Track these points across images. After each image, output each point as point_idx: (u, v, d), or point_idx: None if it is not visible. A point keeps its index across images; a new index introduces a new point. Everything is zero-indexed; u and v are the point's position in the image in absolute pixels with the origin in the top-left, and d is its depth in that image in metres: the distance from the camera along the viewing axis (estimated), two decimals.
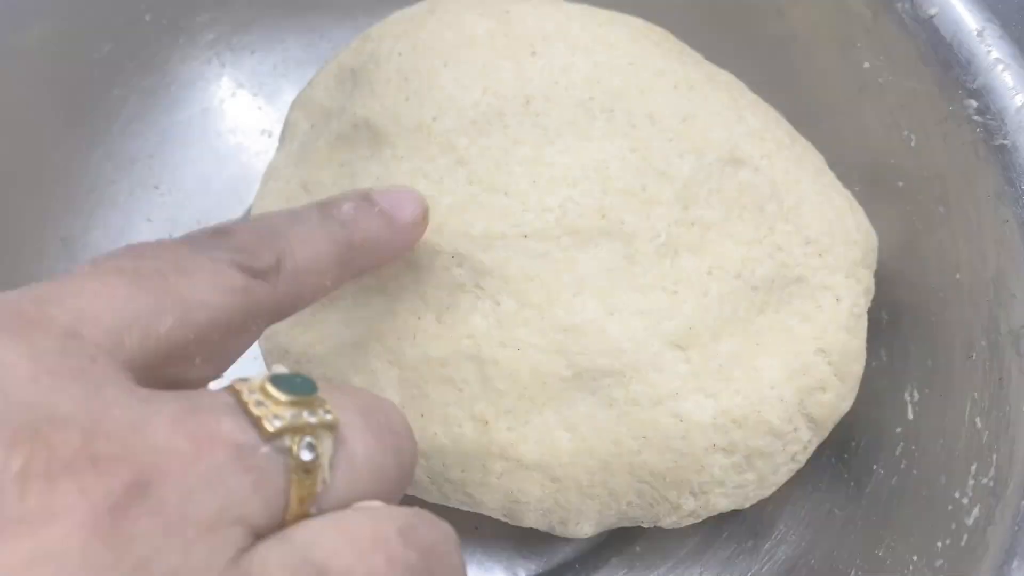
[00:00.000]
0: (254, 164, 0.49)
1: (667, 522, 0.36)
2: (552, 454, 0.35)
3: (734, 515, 0.37)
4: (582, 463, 0.35)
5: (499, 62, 0.36)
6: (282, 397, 0.19)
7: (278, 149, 0.42)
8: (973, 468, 0.33)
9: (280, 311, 0.26)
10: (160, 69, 0.46)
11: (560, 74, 0.36)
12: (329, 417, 0.19)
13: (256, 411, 0.18)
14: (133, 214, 0.47)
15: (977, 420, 0.34)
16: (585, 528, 0.37)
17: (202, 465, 0.17)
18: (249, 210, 0.48)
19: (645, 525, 0.36)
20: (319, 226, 0.28)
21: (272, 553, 0.17)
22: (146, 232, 0.47)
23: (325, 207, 0.30)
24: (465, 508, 0.37)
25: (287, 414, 0.19)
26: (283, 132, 0.42)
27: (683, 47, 0.40)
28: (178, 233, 0.48)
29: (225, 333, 0.23)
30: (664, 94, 0.36)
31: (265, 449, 0.18)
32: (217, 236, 0.26)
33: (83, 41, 0.43)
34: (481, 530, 0.41)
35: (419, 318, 0.36)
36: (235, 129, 0.50)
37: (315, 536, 0.18)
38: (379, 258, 0.32)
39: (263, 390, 0.19)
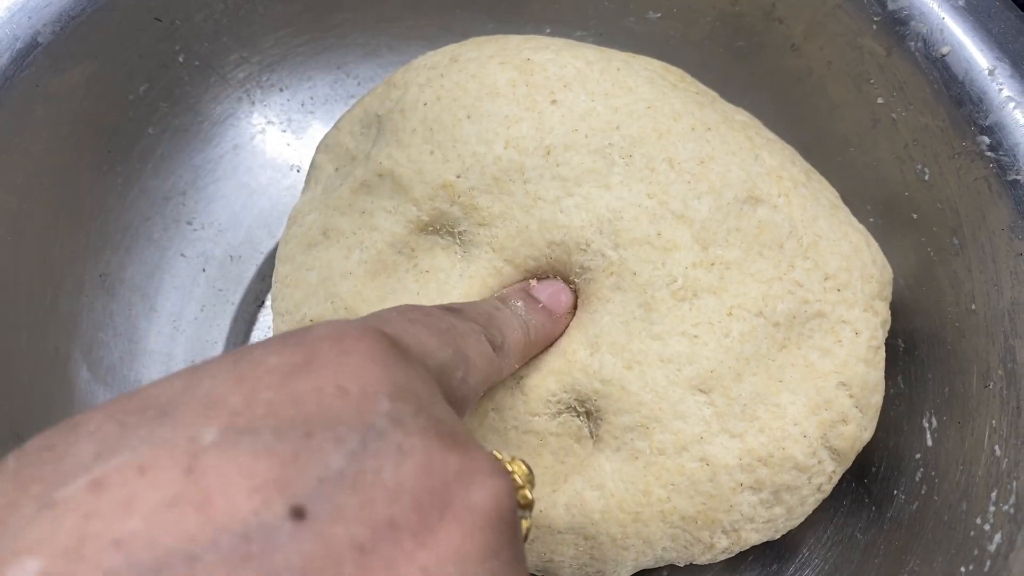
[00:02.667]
0: (284, 199, 0.51)
1: (702, 560, 0.37)
2: (583, 514, 0.36)
3: (759, 544, 0.38)
4: (613, 517, 0.36)
5: (520, 113, 0.37)
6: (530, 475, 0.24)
7: (303, 191, 0.43)
8: (993, 495, 0.34)
9: (497, 383, 0.30)
10: (192, 108, 0.48)
11: (580, 121, 0.37)
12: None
13: (520, 481, 0.23)
14: (168, 250, 0.48)
15: (996, 448, 0.35)
16: (622, 574, 0.38)
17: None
18: (275, 250, 0.50)
19: (681, 564, 0.37)
20: (512, 317, 0.33)
21: None
22: (181, 268, 0.48)
23: (503, 299, 0.34)
24: None
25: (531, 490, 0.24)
26: (308, 174, 0.43)
27: (699, 86, 0.41)
28: (211, 268, 0.49)
29: (479, 393, 0.27)
30: (682, 137, 0.37)
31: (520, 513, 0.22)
32: (456, 312, 0.29)
33: (119, 83, 0.44)
34: None
35: None
36: (265, 165, 0.51)
37: None
38: (545, 346, 0.36)
39: (520, 465, 0.24)
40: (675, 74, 0.41)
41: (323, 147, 0.43)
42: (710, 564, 0.41)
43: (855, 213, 0.40)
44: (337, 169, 0.42)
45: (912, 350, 0.41)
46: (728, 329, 0.35)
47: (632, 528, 0.36)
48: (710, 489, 0.35)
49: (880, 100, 0.42)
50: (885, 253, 0.40)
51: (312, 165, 0.43)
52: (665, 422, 0.35)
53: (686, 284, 0.35)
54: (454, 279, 0.37)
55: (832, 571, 0.40)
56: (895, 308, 0.40)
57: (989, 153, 0.38)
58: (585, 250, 0.36)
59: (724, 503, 0.35)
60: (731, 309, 0.36)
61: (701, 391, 0.35)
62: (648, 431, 0.35)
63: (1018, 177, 0.37)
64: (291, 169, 0.51)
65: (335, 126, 0.43)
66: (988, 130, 0.38)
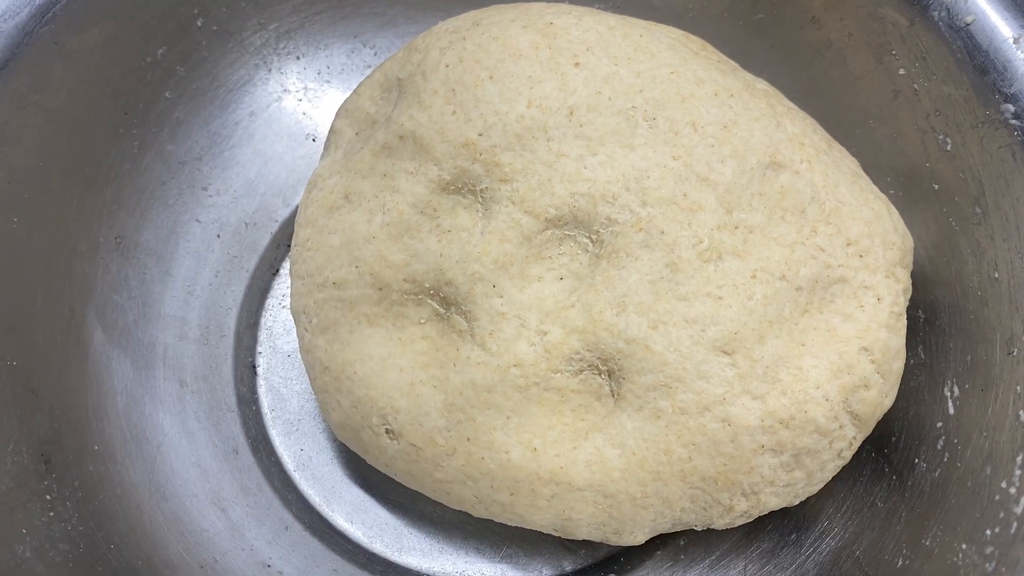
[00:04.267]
0: (299, 168, 0.50)
1: (720, 524, 0.37)
2: (603, 472, 0.35)
3: (777, 509, 0.38)
4: (634, 476, 0.35)
5: (543, 74, 0.37)
6: None
7: (322, 156, 0.43)
8: (1019, 459, 0.34)
9: None
10: (210, 73, 0.47)
11: (603, 84, 0.37)
12: None
13: None
14: (183, 215, 0.48)
15: (1021, 413, 0.35)
16: (639, 536, 0.37)
17: None
18: (294, 214, 0.49)
19: (698, 528, 0.37)
20: None
21: None
22: (196, 233, 0.48)
23: None
24: (513, 525, 0.38)
25: None
26: (328, 139, 0.43)
27: (720, 56, 0.41)
28: (226, 235, 0.49)
29: None
30: (705, 102, 0.37)
31: None
32: None
33: (137, 44, 0.44)
34: None
35: (458, 350, 0.37)
36: (281, 133, 0.50)
37: None
38: None
39: None
40: (696, 42, 0.41)
41: (343, 112, 0.43)
42: (728, 531, 0.41)
43: (875, 185, 0.40)
44: (357, 133, 0.42)
45: (933, 320, 0.41)
46: (752, 292, 0.35)
47: (652, 487, 0.35)
48: (731, 450, 0.35)
49: (902, 71, 0.42)
50: (906, 224, 0.39)
51: (331, 130, 0.43)
52: (688, 382, 0.34)
53: (711, 246, 0.35)
54: (476, 237, 0.36)
55: (852, 540, 0.39)
56: (915, 279, 0.40)
57: (1014, 121, 0.38)
58: (612, 203, 0.35)
59: (745, 464, 0.35)
60: (755, 272, 0.35)
61: (724, 352, 0.35)
62: (671, 391, 0.34)
63: None
64: (307, 138, 0.51)
65: (355, 91, 0.43)
66: (1013, 98, 0.38)
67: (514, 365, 0.35)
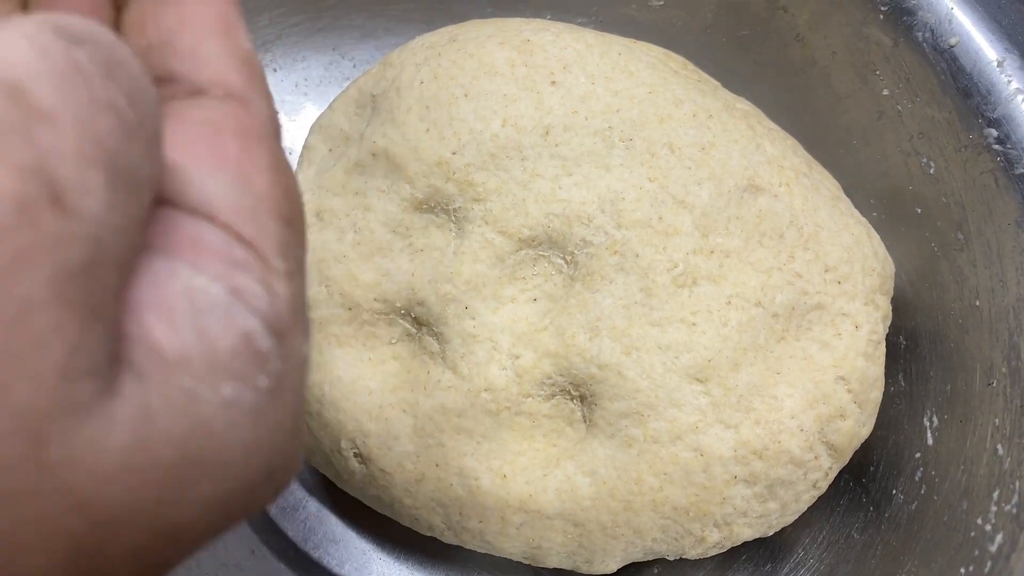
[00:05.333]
0: None
1: (693, 554, 0.36)
2: (573, 500, 0.35)
3: (751, 539, 0.37)
4: (604, 505, 0.35)
5: (519, 93, 0.36)
6: None
7: (295, 173, 0.42)
8: (995, 495, 0.34)
9: None
10: None
11: (579, 103, 0.36)
12: None
13: None
14: None
15: (999, 447, 0.34)
16: (611, 565, 0.37)
17: None
18: None
19: (671, 558, 0.37)
20: None
21: None
22: None
23: None
24: (483, 552, 0.37)
25: None
26: (301, 156, 0.42)
27: (701, 75, 0.41)
28: None
29: None
30: (683, 123, 0.36)
31: None
32: None
33: None
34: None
35: (429, 372, 0.36)
36: None
37: None
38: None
39: None
40: (676, 61, 0.40)
41: (316, 128, 0.42)
42: (701, 561, 0.41)
43: (858, 207, 0.39)
44: (331, 150, 0.41)
45: (914, 347, 0.40)
46: (727, 318, 0.35)
47: (623, 517, 0.35)
48: (703, 480, 0.34)
49: (886, 92, 0.41)
50: (888, 248, 0.39)
51: (305, 146, 0.42)
52: (660, 410, 0.34)
53: (686, 270, 0.35)
54: (448, 257, 0.36)
55: (828, 572, 0.39)
56: (897, 304, 0.39)
57: (996, 146, 0.37)
58: (587, 224, 0.35)
59: (717, 495, 0.34)
60: (730, 298, 0.35)
61: (698, 380, 0.34)
62: (643, 418, 0.34)
63: None
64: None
65: (329, 107, 0.42)
66: (996, 123, 0.37)
67: (485, 389, 0.35)
